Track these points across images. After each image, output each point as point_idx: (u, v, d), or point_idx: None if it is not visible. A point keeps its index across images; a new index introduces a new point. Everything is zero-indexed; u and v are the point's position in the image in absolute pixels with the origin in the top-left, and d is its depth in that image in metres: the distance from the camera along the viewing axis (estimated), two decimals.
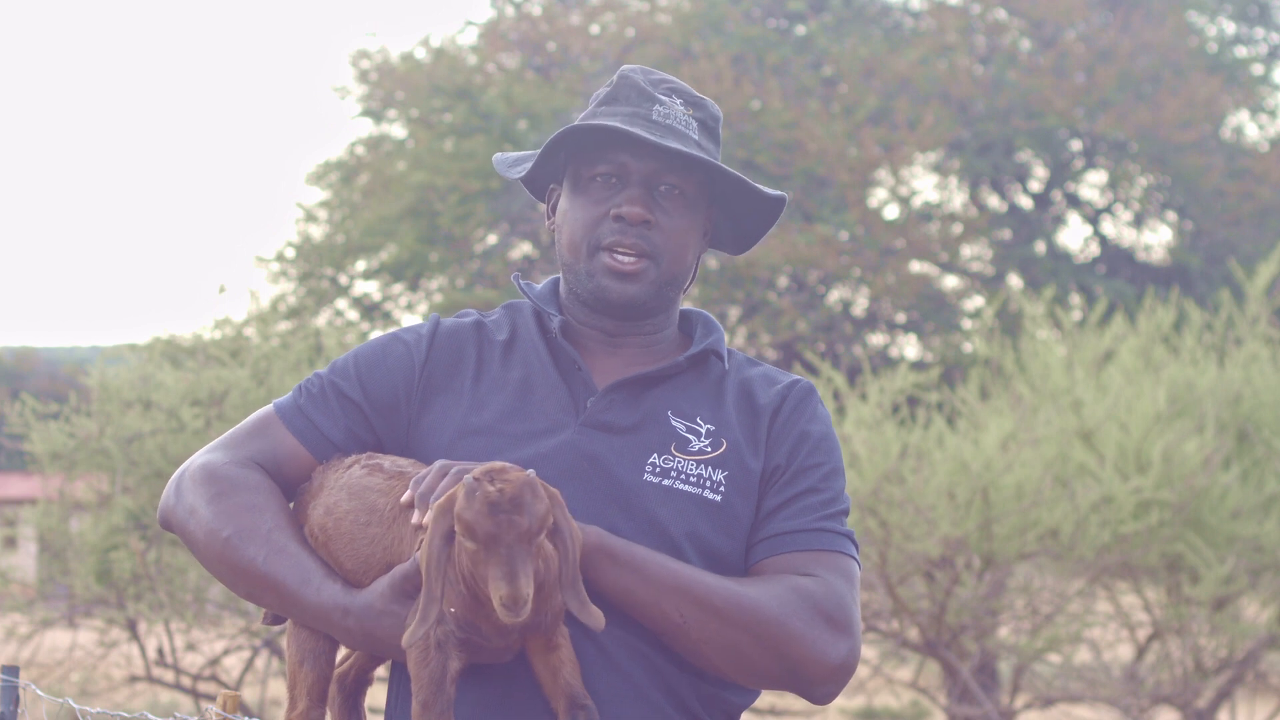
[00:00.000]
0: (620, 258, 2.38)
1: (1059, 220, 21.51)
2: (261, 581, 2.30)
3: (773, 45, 20.13)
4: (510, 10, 21.41)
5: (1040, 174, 21.45)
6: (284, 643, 9.26)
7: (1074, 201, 21.64)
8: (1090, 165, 21.48)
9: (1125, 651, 10.44)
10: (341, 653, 2.38)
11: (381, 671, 2.49)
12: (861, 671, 10.56)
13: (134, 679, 9.69)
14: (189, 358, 9.85)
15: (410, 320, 20.55)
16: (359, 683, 2.39)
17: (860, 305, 20.31)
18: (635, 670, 2.29)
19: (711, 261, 18.01)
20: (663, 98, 2.42)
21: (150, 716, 2.88)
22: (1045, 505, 8.65)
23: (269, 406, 2.47)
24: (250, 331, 10.06)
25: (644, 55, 19.33)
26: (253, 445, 2.42)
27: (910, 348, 20.69)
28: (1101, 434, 9.09)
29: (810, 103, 19.25)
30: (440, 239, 19.74)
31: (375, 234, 19.78)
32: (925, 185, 26.26)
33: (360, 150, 21.22)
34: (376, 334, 19.65)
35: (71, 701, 2.98)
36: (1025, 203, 21.50)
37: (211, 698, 9.47)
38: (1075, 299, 19.79)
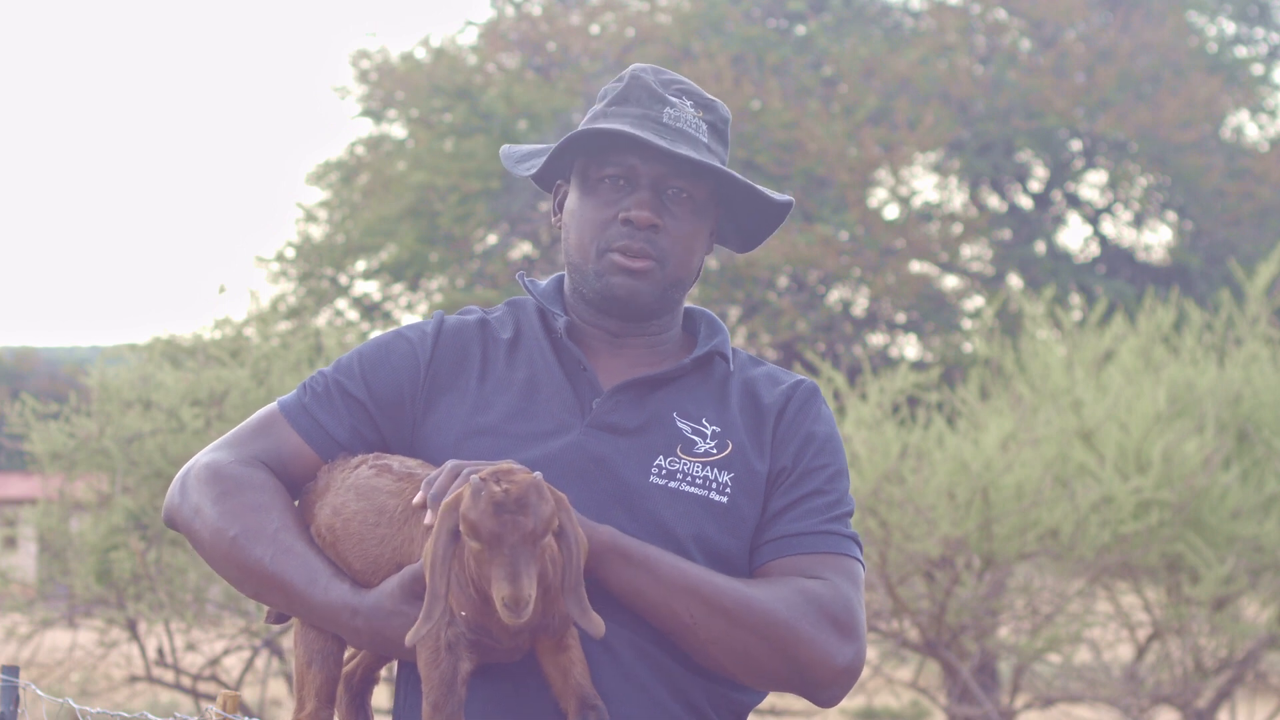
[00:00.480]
0: (630, 257, 2.38)
1: (1059, 220, 21.51)
2: (269, 581, 2.30)
3: (773, 45, 20.13)
4: (510, 10, 21.41)
5: (1040, 174, 21.45)
6: (285, 643, 9.28)
7: (1074, 201, 21.64)
8: (1090, 165, 21.48)
9: (1125, 651, 10.44)
10: (347, 652, 2.38)
11: (388, 671, 2.49)
12: (862, 671, 10.56)
13: (134, 679, 9.69)
14: (189, 358, 9.85)
15: (410, 321, 20.53)
16: (365, 682, 2.39)
17: (860, 305, 20.31)
18: (642, 670, 2.29)
19: (712, 261, 18.01)
20: (673, 99, 2.41)
21: (150, 716, 2.88)
22: (1045, 505, 8.65)
23: (273, 404, 2.46)
24: (250, 331, 10.06)
25: (644, 55, 19.33)
26: (257, 444, 2.41)
27: (910, 348, 20.69)
28: (1101, 434, 9.09)
29: (810, 103, 19.25)
30: (440, 239, 19.74)
31: (375, 234, 19.79)
32: (925, 185, 26.27)
33: (360, 150, 21.22)
34: (376, 334, 19.65)
35: (71, 701, 2.98)
36: (1025, 203, 21.50)
37: (211, 698, 9.47)
38: (1075, 299, 19.79)
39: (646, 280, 2.38)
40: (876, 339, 20.67)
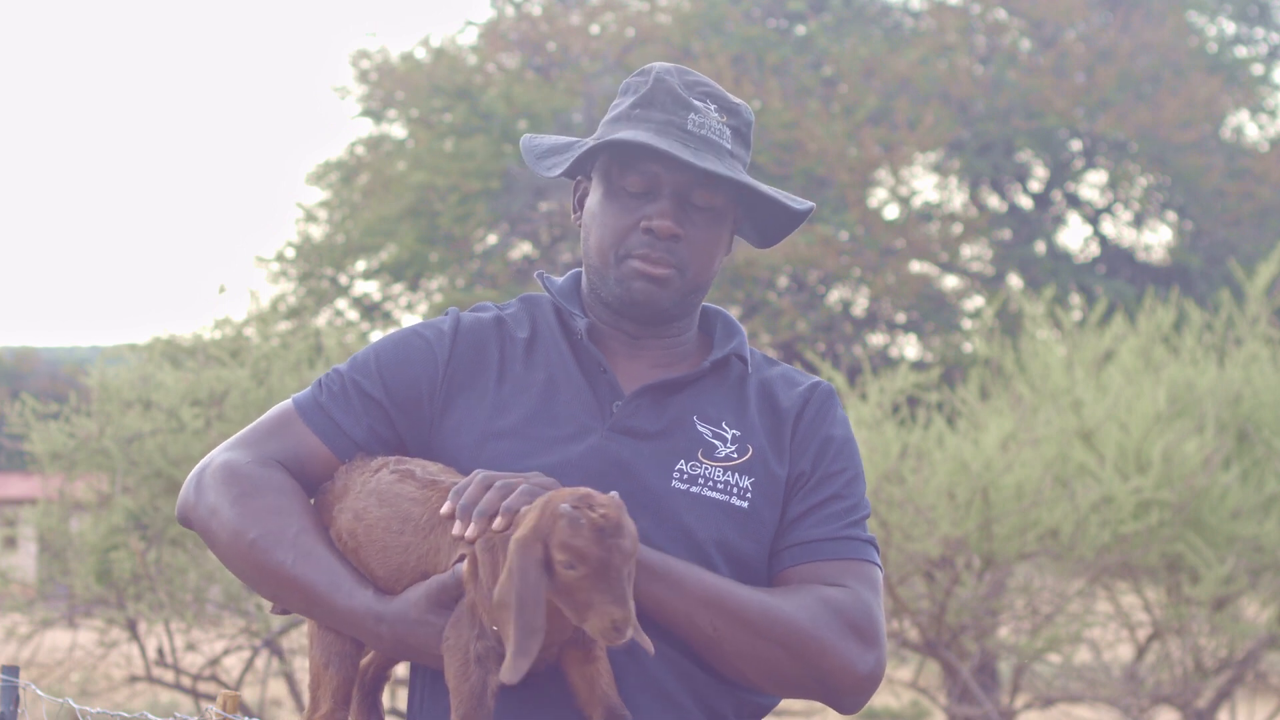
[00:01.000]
0: (651, 263, 2.37)
1: (1059, 220, 21.52)
2: (290, 585, 2.28)
3: (773, 45, 20.13)
4: (510, 10, 21.42)
5: (1040, 174, 21.45)
6: (285, 643, 9.28)
7: (1074, 201, 21.65)
8: (1090, 165, 21.49)
9: (1125, 651, 10.44)
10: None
11: (401, 671, 2.49)
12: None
13: (134, 679, 9.69)
14: (189, 358, 9.85)
15: (410, 321, 20.56)
16: (377, 680, 2.38)
17: (860, 305, 20.32)
18: (666, 676, 2.28)
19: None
20: (697, 103, 2.39)
21: (150, 716, 2.88)
22: (1045, 505, 8.65)
23: (288, 402, 2.43)
24: (250, 331, 10.06)
25: (644, 55, 19.34)
26: (273, 443, 2.39)
27: (910, 348, 20.70)
28: (1101, 434, 9.09)
29: (810, 103, 19.25)
30: (440, 239, 19.75)
31: (375, 234, 19.79)
32: (925, 185, 26.27)
33: (360, 150, 21.22)
34: (376, 334, 19.69)
35: (71, 701, 2.98)
36: (1025, 203, 21.50)
37: (211, 698, 9.47)
38: (1075, 299, 19.79)
39: (666, 287, 2.37)
40: (876, 339, 20.68)
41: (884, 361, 19.27)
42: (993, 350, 10.72)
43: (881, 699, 13.17)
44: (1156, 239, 21.76)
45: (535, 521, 2.10)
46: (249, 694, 9.81)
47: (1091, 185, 21.73)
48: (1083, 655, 10.31)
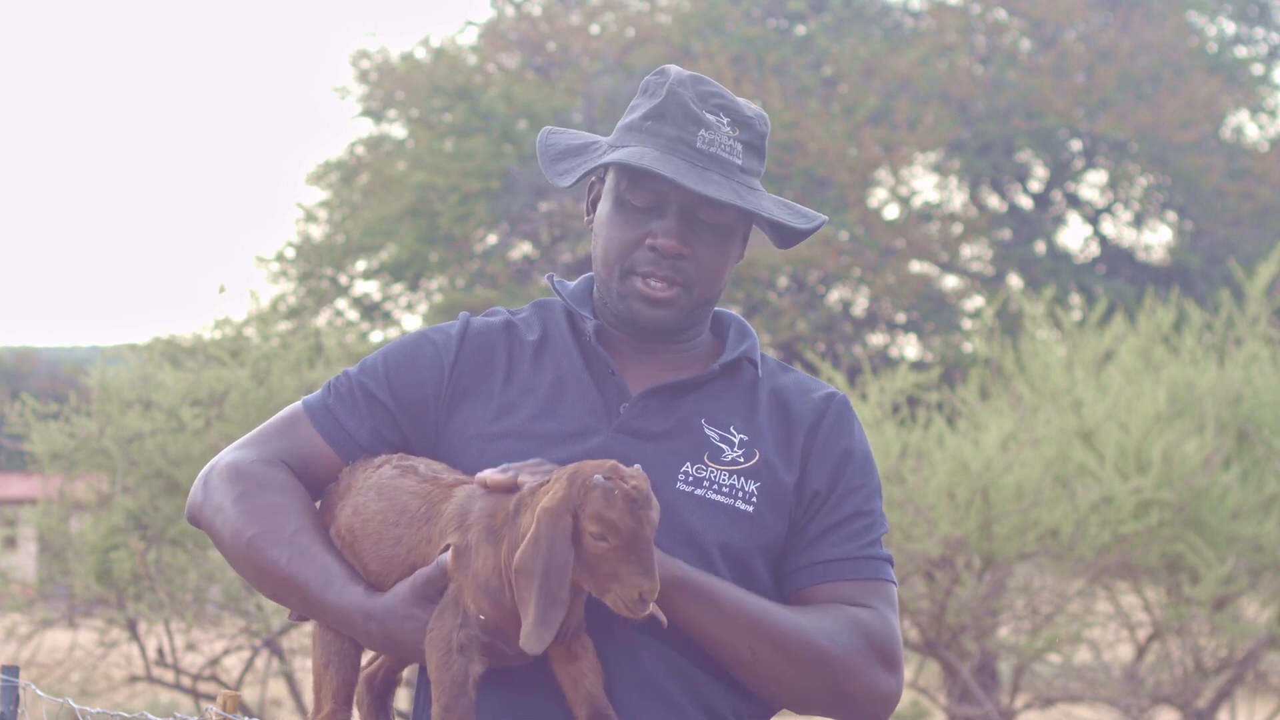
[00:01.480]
0: (653, 284, 2.36)
1: (1059, 220, 21.53)
2: (285, 583, 2.30)
3: (773, 45, 20.14)
4: (510, 10, 21.42)
5: (1040, 174, 21.46)
6: (285, 643, 9.28)
7: (1074, 201, 21.65)
8: (1090, 165, 21.49)
9: (1125, 651, 10.44)
10: (370, 654, 2.38)
11: (409, 673, 2.49)
12: None
13: (134, 679, 9.69)
14: (189, 358, 9.85)
15: (410, 321, 20.57)
16: (387, 684, 2.38)
17: (860, 305, 20.33)
18: (663, 676, 2.28)
19: None
20: (710, 117, 2.36)
21: (150, 716, 2.88)
22: (1045, 505, 8.65)
23: (298, 404, 2.45)
24: (250, 331, 10.06)
25: (644, 55, 19.35)
26: (280, 443, 2.41)
27: (910, 348, 20.71)
28: (1101, 434, 9.09)
29: (810, 103, 19.26)
30: (440, 239, 19.75)
31: (375, 234, 19.80)
32: (925, 185, 26.26)
33: (360, 150, 21.23)
34: (376, 334, 19.70)
35: (71, 701, 2.98)
36: (1025, 203, 21.51)
37: (211, 698, 9.47)
38: (1075, 299, 19.80)
39: (670, 307, 2.37)
40: (876, 339, 20.69)
41: (884, 361, 19.27)
42: (993, 350, 10.72)
43: None
44: (1156, 239, 21.79)
45: (565, 493, 2.11)
46: (249, 694, 9.81)
47: (1091, 185, 21.74)
48: (1083, 655, 10.31)
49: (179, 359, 10.01)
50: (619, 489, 2.09)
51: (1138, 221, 21.61)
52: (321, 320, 19.28)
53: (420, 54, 20.98)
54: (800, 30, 20.84)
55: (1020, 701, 9.69)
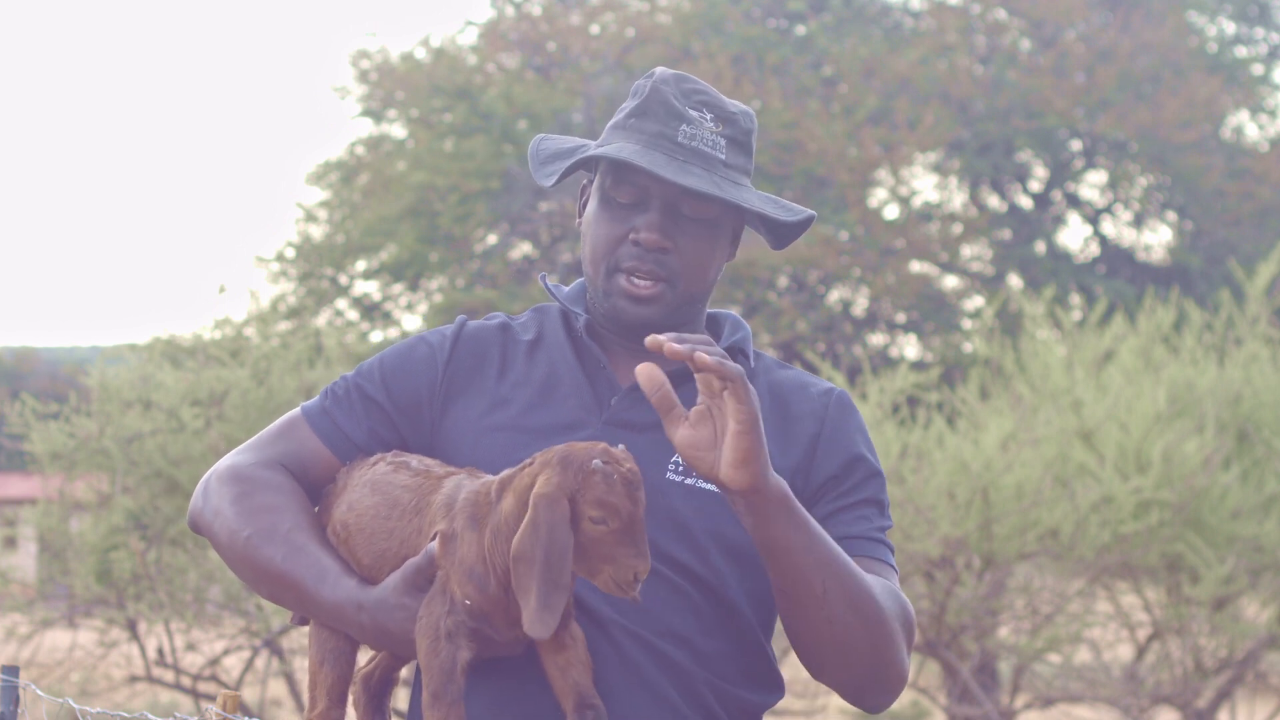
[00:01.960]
0: (637, 282, 2.37)
1: (1059, 220, 21.53)
2: (280, 580, 2.31)
3: (773, 45, 20.14)
4: (510, 10, 21.43)
5: (1040, 174, 21.47)
6: (285, 643, 9.28)
7: (1074, 201, 21.66)
8: (1090, 165, 21.50)
9: (1125, 651, 10.44)
10: (366, 654, 2.38)
11: (407, 672, 2.48)
12: None
13: (134, 679, 9.69)
14: (189, 358, 9.85)
15: (410, 321, 20.59)
16: (384, 683, 2.38)
17: (860, 305, 20.33)
18: (651, 668, 2.28)
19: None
20: (692, 114, 2.38)
21: (150, 716, 2.88)
22: (1045, 505, 8.65)
23: (296, 409, 2.48)
24: (250, 331, 10.06)
25: (644, 55, 19.35)
26: (278, 447, 2.43)
27: (910, 348, 20.71)
28: (1101, 434, 9.09)
29: (810, 103, 19.26)
30: (440, 239, 19.76)
31: (375, 234, 19.81)
32: (925, 185, 26.29)
33: (360, 150, 21.24)
34: (376, 334, 19.71)
35: (71, 701, 2.98)
36: (1025, 203, 21.51)
37: (211, 698, 9.47)
38: (1075, 299, 19.81)
39: (655, 304, 2.38)
40: (876, 339, 20.70)
41: (884, 361, 19.27)
42: (993, 350, 10.72)
43: None
44: (1156, 239, 21.80)
45: (560, 478, 2.11)
46: (249, 694, 9.81)
47: (1091, 185, 21.75)
48: (1083, 655, 10.31)
49: (179, 359, 10.01)
50: (617, 473, 2.10)
51: (1138, 221, 21.62)
52: (321, 320, 19.29)
53: (420, 54, 20.99)
54: (800, 30, 20.85)
55: (1020, 701, 9.69)
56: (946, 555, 8.63)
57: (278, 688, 10.92)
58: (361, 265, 20.41)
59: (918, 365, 18.24)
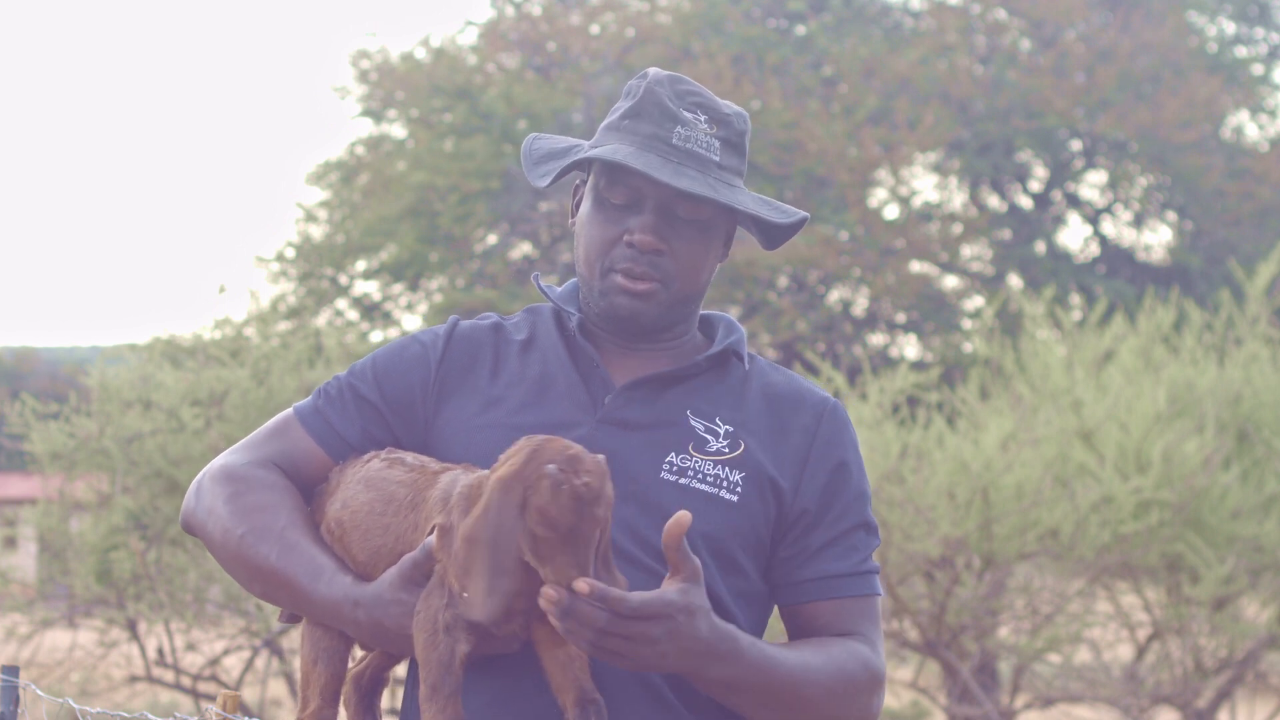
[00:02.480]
0: (631, 279, 2.38)
1: (1059, 220, 21.54)
2: (275, 578, 2.31)
3: (773, 45, 20.14)
4: (510, 10, 21.43)
5: (1040, 174, 21.47)
6: (285, 643, 9.29)
7: (1074, 201, 21.66)
8: (1090, 165, 21.50)
9: (1125, 651, 10.44)
10: (358, 654, 2.38)
11: (399, 670, 2.48)
12: None
13: (134, 679, 9.69)
14: (189, 358, 9.86)
15: (410, 320, 20.59)
16: (375, 682, 2.38)
17: (860, 305, 20.34)
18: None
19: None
20: (686, 115, 2.39)
21: (150, 716, 2.88)
22: (1045, 505, 8.65)
23: (289, 410, 2.48)
24: (250, 331, 10.07)
25: (644, 55, 19.35)
26: (271, 446, 2.43)
27: (910, 348, 20.72)
28: (1101, 434, 9.09)
29: (810, 103, 19.27)
30: (440, 239, 19.77)
31: (375, 234, 19.81)
32: (925, 185, 26.29)
33: (360, 150, 21.24)
34: (376, 334, 19.70)
35: (71, 701, 2.98)
36: (1025, 203, 21.51)
37: (211, 698, 9.47)
38: (1075, 299, 19.81)
39: (650, 301, 2.38)
40: (876, 339, 20.70)
41: (884, 361, 19.28)
42: (993, 350, 10.72)
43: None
44: (1156, 239, 21.80)
45: (520, 467, 2.10)
46: (249, 694, 9.81)
47: (1091, 185, 21.75)
48: (1083, 655, 10.31)
49: (179, 359, 10.02)
50: (568, 484, 2.06)
51: (1138, 221, 21.62)
52: (321, 320, 19.29)
53: (420, 54, 21.00)
54: (800, 30, 20.85)
55: (1020, 701, 9.69)
56: (946, 555, 8.63)
57: (278, 688, 10.93)
58: (361, 265, 20.41)
59: (918, 365, 18.24)
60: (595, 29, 20.81)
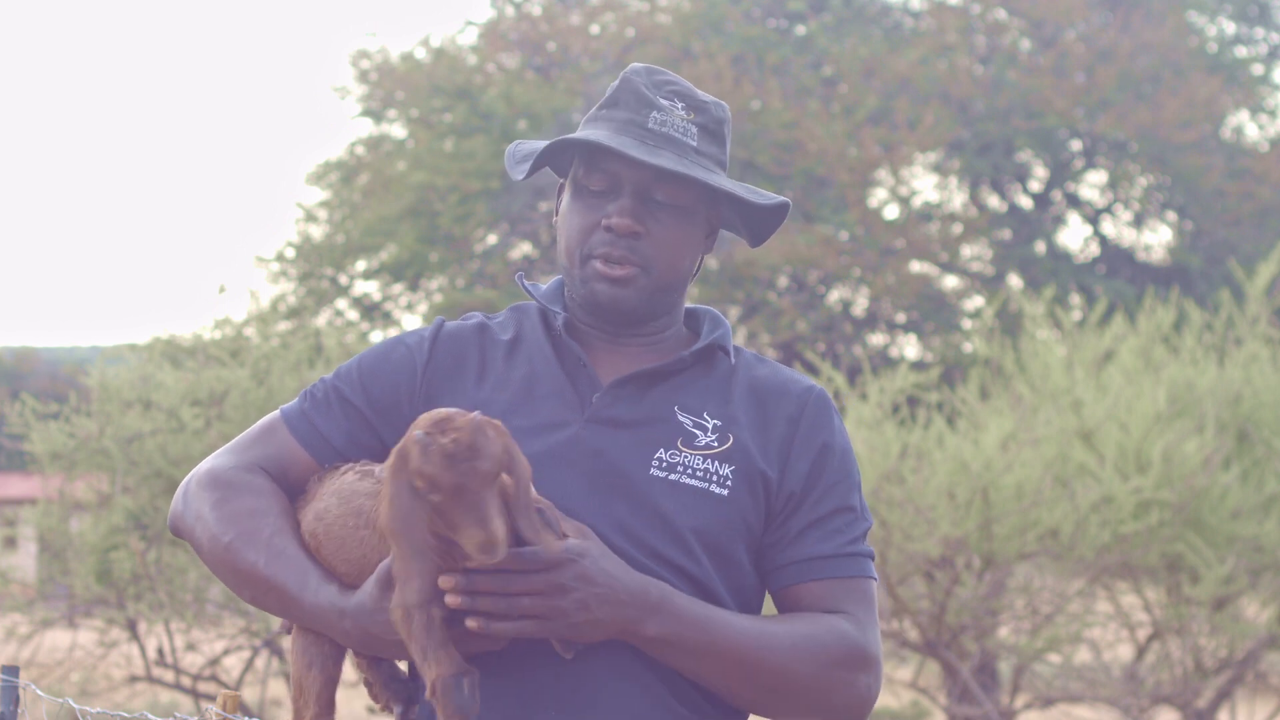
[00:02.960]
0: (610, 265, 2.38)
1: (1059, 220, 21.53)
2: (262, 585, 2.31)
3: (773, 45, 20.14)
4: (510, 10, 21.43)
5: (1040, 174, 21.46)
6: (285, 643, 9.28)
7: (1074, 201, 21.66)
8: (1090, 165, 21.50)
9: (1125, 651, 10.44)
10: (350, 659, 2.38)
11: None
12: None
13: (134, 679, 9.69)
14: (189, 358, 9.86)
15: (410, 320, 20.59)
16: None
17: (860, 305, 20.33)
18: (640, 663, 2.28)
19: (712, 261, 18.02)
20: (663, 102, 2.40)
21: (150, 716, 2.88)
22: (1045, 505, 8.66)
23: (275, 412, 2.48)
24: (250, 331, 10.07)
25: (644, 55, 19.34)
26: (257, 450, 2.43)
27: (910, 348, 20.71)
28: (1101, 434, 9.09)
29: (810, 103, 19.26)
30: (440, 239, 19.76)
31: (375, 234, 19.80)
32: (925, 185, 26.29)
33: (360, 150, 21.24)
34: (376, 334, 19.70)
35: (71, 701, 2.98)
36: (1025, 203, 21.51)
37: (211, 698, 9.47)
38: (1075, 299, 19.81)
39: (629, 287, 2.38)
40: (876, 339, 20.69)
41: (884, 361, 19.27)
42: (993, 350, 10.73)
43: (881, 699, 13.19)
44: (1156, 239, 21.79)
45: (399, 446, 2.13)
46: (249, 694, 9.81)
47: (1091, 185, 21.75)
48: (1083, 655, 10.32)
49: (179, 359, 10.02)
50: (436, 444, 2.09)
51: (1138, 221, 21.61)
52: (321, 320, 19.30)
53: (420, 54, 20.99)
54: (800, 30, 20.85)
55: (1020, 701, 9.69)
56: (946, 555, 8.63)
57: (278, 688, 10.92)
58: (361, 265, 20.41)
59: (918, 365, 18.24)
60: (595, 29, 20.81)
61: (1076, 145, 21.13)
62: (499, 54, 20.99)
